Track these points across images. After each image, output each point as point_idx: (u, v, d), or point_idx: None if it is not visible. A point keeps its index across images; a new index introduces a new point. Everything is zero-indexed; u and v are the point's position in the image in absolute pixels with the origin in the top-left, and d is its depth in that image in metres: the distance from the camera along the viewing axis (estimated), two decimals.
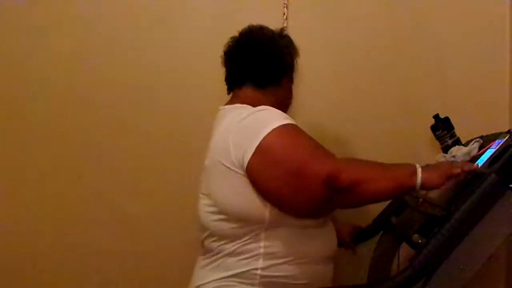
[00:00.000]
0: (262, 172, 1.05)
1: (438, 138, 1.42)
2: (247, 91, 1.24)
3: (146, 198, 1.69)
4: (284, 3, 1.66)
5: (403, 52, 1.68)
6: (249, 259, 1.09)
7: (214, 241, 1.15)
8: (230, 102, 1.25)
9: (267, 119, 1.09)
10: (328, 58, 1.68)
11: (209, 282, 1.13)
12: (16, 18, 1.70)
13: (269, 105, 1.17)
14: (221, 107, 1.25)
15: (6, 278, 1.66)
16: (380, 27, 1.68)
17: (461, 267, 0.92)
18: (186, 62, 1.69)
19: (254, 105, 1.16)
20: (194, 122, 1.67)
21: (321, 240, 1.16)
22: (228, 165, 1.08)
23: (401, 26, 1.68)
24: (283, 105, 1.26)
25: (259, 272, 1.08)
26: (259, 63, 1.25)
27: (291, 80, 1.30)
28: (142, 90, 1.69)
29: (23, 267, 1.67)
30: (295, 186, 1.02)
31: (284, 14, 1.65)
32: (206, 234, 1.18)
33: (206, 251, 1.19)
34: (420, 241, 1.00)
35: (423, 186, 1.00)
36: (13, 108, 1.69)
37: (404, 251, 1.16)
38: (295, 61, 1.30)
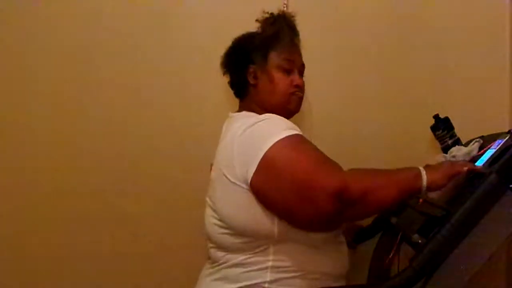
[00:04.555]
0: (267, 186, 1.02)
1: (438, 138, 1.42)
2: (242, 103, 1.28)
3: (146, 199, 1.68)
4: (284, 3, 1.66)
5: (403, 52, 1.68)
6: (257, 272, 1.06)
7: (220, 251, 1.12)
8: (239, 109, 1.26)
9: (270, 130, 1.05)
10: (328, 58, 1.68)
11: None
12: (16, 18, 1.70)
13: (265, 107, 1.19)
14: (230, 114, 1.24)
15: (5, 278, 1.66)
16: (380, 27, 1.68)
17: (461, 267, 0.92)
18: (186, 63, 1.69)
19: (258, 111, 1.16)
20: (194, 123, 1.68)
21: (332, 258, 1.13)
22: (233, 180, 1.05)
23: (401, 26, 1.68)
24: (278, 95, 1.21)
25: (266, 285, 1.05)
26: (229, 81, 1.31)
27: (267, 65, 1.21)
28: (142, 91, 1.69)
29: (23, 268, 1.67)
30: (302, 200, 0.98)
31: None
32: (212, 244, 1.16)
33: (212, 261, 1.16)
34: (420, 241, 1.00)
35: (429, 188, 1.01)
36: (12, 108, 1.69)
37: (404, 251, 1.15)
38: (260, 46, 1.22)
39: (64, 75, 1.69)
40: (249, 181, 1.02)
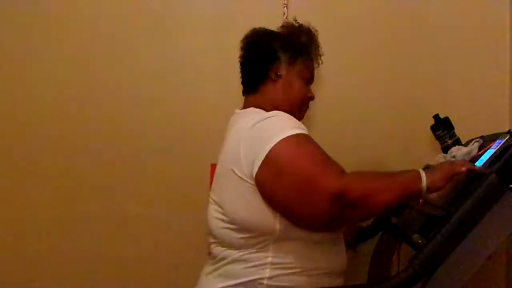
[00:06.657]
0: (269, 182, 1.03)
1: (438, 138, 1.42)
2: (250, 98, 1.25)
3: (147, 199, 1.68)
4: (284, 3, 1.66)
5: (403, 52, 1.68)
6: (256, 268, 1.06)
7: (220, 247, 1.13)
8: (244, 105, 1.25)
9: (278, 126, 1.06)
10: (327, 59, 1.67)
11: None
12: (17, 19, 1.70)
13: (276, 107, 1.17)
14: (236, 111, 1.24)
15: (5, 278, 1.66)
16: (380, 27, 1.68)
17: (461, 267, 0.92)
18: (186, 63, 1.69)
19: (267, 108, 1.15)
20: (194, 123, 1.68)
21: (331, 255, 1.14)
22: (240, 175, 1.06)
23: (401, 26, 1.68)
24: (293, 100, 1.23)
25: (265, 282, 1.06)
26: (243, 70, 1.28)
27: (292, 69, 1.23)
28: (143, 91, 1.69)
29: (23, 269, 1.67)
30: (302, 199, 1.00)
31: (284, 14, 1.65)
32: (213, 240, 1.16)
33: (212, 257, 1.17)
34: (420, 241, 1.00)
35: (429, 190, 1.01)
36: (13, 109, 1.69)
37: (404, 251, 1.16)
38: (291, 49, 1.24)
39: (64, 76, 1.69)
40: (254, 176, 1.03)
